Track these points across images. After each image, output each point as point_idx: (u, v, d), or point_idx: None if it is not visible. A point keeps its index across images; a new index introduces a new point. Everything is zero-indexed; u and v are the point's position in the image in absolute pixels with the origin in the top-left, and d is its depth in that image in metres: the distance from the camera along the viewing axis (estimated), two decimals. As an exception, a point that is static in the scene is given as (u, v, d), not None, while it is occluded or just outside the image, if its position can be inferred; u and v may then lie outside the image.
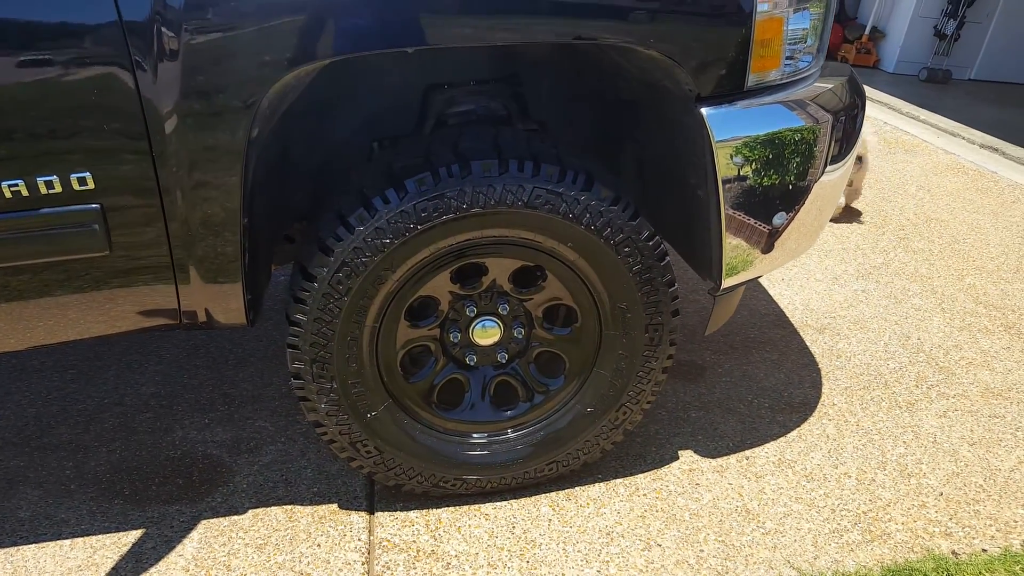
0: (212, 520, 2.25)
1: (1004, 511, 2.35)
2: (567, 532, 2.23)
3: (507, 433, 2.28)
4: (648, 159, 2.38)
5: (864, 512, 2.33)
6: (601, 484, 2.41)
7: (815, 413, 2.76)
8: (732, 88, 1.89)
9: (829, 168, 2.13)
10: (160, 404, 2.73)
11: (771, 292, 3.63)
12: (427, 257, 1.95)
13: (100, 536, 2.18)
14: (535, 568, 2.11)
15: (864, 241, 4.24)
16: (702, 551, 2.18)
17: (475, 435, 2.28)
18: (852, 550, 2.20)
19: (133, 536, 2.18)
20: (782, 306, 3.50)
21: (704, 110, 1.89)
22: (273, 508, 2.30)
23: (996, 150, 5.92)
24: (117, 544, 2.15)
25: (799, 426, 2.69)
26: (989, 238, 4.34)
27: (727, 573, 2.11)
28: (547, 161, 1.92)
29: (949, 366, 3.07)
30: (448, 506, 2.31)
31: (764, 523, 2.28)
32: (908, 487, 2.43)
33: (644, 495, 2.37)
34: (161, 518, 2.25)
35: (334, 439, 2.13)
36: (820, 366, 3.05)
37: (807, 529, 2.26)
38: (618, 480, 2.42)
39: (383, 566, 2.11)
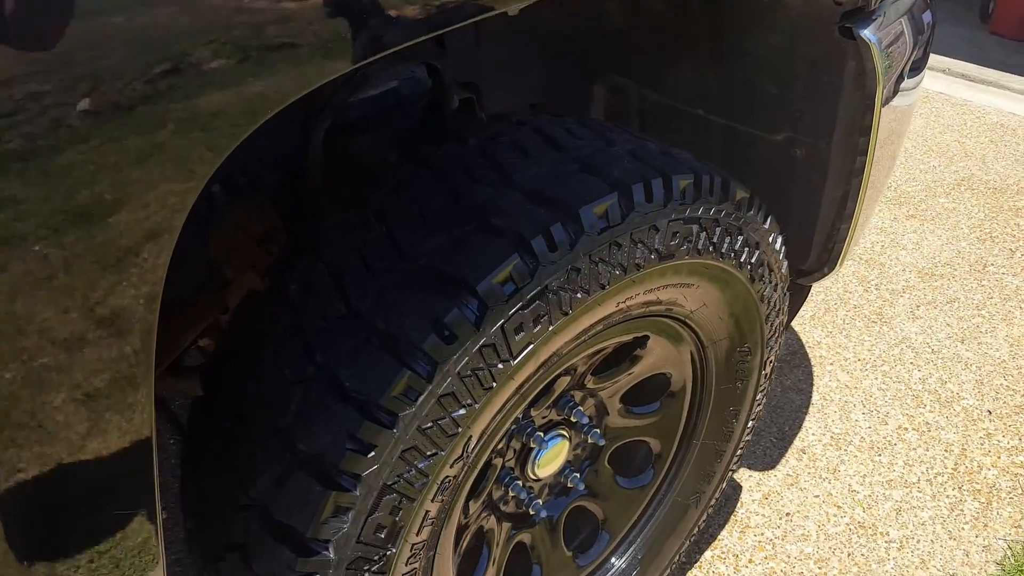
0: None
1: (1053, 410, 2.17)
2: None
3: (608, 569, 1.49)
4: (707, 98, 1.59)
5: (953, 468, 1.98)
6: (698, 573, 1.74)
7: (812, 359, 2.34)
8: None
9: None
10: None
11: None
12: (511, 398, 1.02)
13: None
14: None
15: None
16: (868, 614, 1.66)
17: (559, 605, 1.45)
18: (984, 523, 1.84)
19: None
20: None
21: (866, 32, 1.17)
22: None
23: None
24: None
25: (812, 384, 2.25)
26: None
27: (918, 633, 1.63)
28: (672, 170, 1.07)
29: (870, 255, 2.84)
30: None
31: (888, 533, 1.82)
32: (959, 417, 2.13)
33: (751, 562, 1.76)
34: None
35: None
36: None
37: (928, 519, 1.85)
38: (710, 555, 1.77)
39: None
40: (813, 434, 2.08)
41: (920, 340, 2.42)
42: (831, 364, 2.32)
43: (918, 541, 1.81)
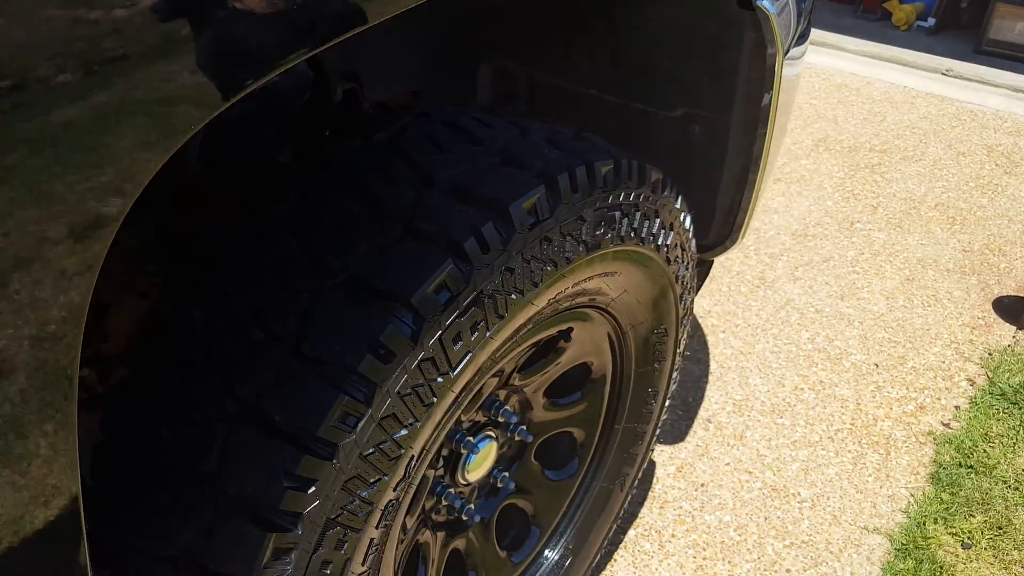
0: None
1: (926, 356, 2.35)
2: (652, 654, 1.59)
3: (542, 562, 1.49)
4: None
5: (851, 424, 2.12)
6: (623, 554, 1.77)
7: (705, 328, 2.43)
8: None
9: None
10: None
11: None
12: (449, 410, 0.99)
13: None
14: None
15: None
16: (787, 570, 1.74)
17: (497, 610, 1.43)
18: (886, 474, 1.98)
19: None
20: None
21: (765, 2, 1.20)
22: None
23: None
24: None
25: (708, 352, 2.33)
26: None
27: (836, 584, 1.73)
28: (587, 154, 1.06)
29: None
30: None
31: (798, 493, 1.92)
32: (848, 373, 2.28)
33: (673, 536, 1.81)
34: None
35: None
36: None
37: (835, 476, 1.97)
38: (633, 534, 1.81)
39: None
40: (716, 403, 2.16)
41: (803, 300, 2.56)
42: (723, 332, 2.42)
43: (828, 498, 1.92)
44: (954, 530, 1.83)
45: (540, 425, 1.40)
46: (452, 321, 0.87)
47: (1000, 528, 1.83)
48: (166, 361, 0.92)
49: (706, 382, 2.23)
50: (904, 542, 1.80)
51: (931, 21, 5.20)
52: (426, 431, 0.93)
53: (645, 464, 1.62)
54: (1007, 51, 4.68)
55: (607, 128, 1.58)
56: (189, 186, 1.17)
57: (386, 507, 0.91)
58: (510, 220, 0.92)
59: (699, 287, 1.74)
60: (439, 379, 0.88)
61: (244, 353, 0.86)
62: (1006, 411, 2.14)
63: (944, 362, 2.33)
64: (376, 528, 0.91)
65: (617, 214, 1.09)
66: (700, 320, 2.46)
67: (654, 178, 1.16)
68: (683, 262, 1.34)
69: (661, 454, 2.00)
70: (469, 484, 1.30)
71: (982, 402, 2.17)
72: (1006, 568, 1.75)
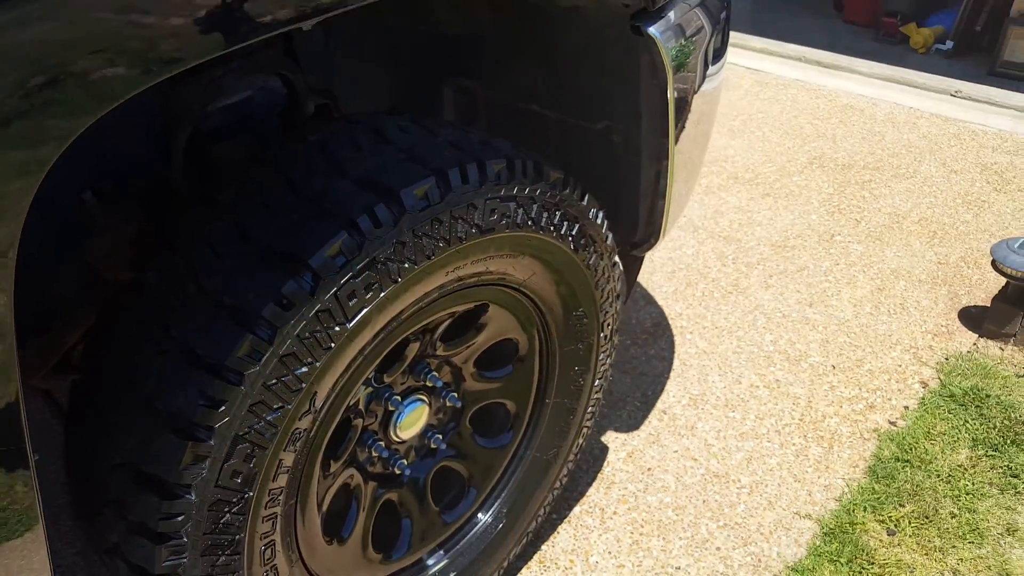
0: None
1: (884, 360, 2.49)
2: (580, 612, 1.77)
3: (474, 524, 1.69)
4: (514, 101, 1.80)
5: (799, 419, 2.27)
6: (565, 527, 1.95)
7: (673, 329, 2.60)
8: (664, -11, 1.44)
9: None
10: None
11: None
12: (353, 361, 1.21)
13: None
14: None
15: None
16: (718, 547, 1.91)
17: (430, 561, 1.64)
18: (826, 466, 2.12)
19: None
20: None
21: (652, 29, 1.41)
22: None
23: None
24: None
25: (673, 351, 2.51)
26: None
27: (761, 562, 1.88)
28: (485, 156, 1.27)
29: (728, 233, 3.14)
30: (417, 666, 1.66)
31: (739, 480, 2.08)
32: (806, 374, 2.43)
33: (615, 514, 1.98)
34: None
35: None
36: (641, 284, 2.89)
37: (776, 465, 2.12)
38: (577, 510, 1.99)
39: None
40: (673, 396, 2.33)
41: (772, 306, 2.72)
42: (691, 333, 2.59)
43: (766, 485, 2.07)
44: (882, 518, 1.96)
45: (473, 394, 1.61)
46: (347, 281, 1.09)
47: (927, 517, 1.96)
48: (128, 314, 1.16)
49: (667, 378, 2.41)
50: (832, 527, 1.94)
51: (949, 44, 5.29)
52: (331, 374, 1.15)
53: (581, 440, 1.81)
54: (1020, 72, 4.75)
55: (551, 139, 1.79)
56: (173, 184, 1.42)
57: (293, 434, 1.13)
58: (402, 203, 1.14)
59: (633, 279, 1.93)
60: (336, 328, 1.10)
61: (180, 303, 1.09)
62: (952, 412, 2.26)
63: (900, 366, 2.46)
64: (285, 451, 1.13)
65: (512, 204, 1.30)
66: (670, 322, 2.64)
67: (553, 177, 1.37)
68: (596, 253, 1.53)
69: (615, 441, 2.18)
70: (403, 442, 1.51)
71: (931, 403, 2.30)
72: (927, 554, 1.88)
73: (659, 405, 2.31)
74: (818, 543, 1.91)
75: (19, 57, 0.74)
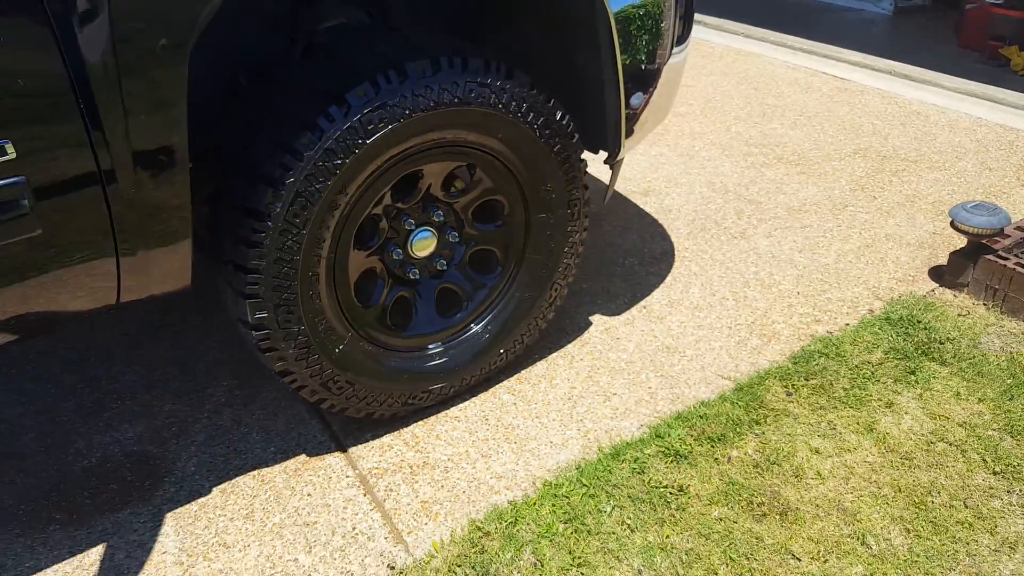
0: (177, 510, 2.18)
1: (845, 292, 3.03)
2: (535, 408, 2.50)
3: (467, 332, 2.47)
4: (527, 45, 2.59)
5: (752, 322, 2.88)
6: (542, 362, 2.69)
7: (676, 258, 3.26)
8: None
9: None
10: (39, 420, 2.48)
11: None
12: (373, 172, 2.03)
13: (57, 566, 2.02)
14: (524, 444, 2.36)
15: (637, 113, 4.85)
16: (650, 387, 2.57)
17: (431, 346, 2.43)
18: (759, 352, 2.73)
19: (96, 553, 2.05)
20: (604, 180, 3.97)
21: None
22: (239, 478, 2.27)
23: (699, 22, 6.91)
24: (82, 567, 2.01)
25: (670, 271, 3.17)
26: (731, 92, 5.19)
27: (679, 397, 2.53)
28: (468, 55, 2.07)
29: (753, 197, 3.75)
30: (415, 422, 2.45)
31: (685, 352, 2.73)
32: (772, 295, 3.03)
33: (581, 359, 2.70)
34: (117, 527, 2.12)
35: (304, 383, 2.15)
36: (660, 221, 3.57)
37: (719, 347, 2.76)
38: (554, 354, 2.72)
39: (385, 490, 2.22)
40: (656, 298, 3.00)
41: (767, 250, 3.32)
42: (689, 261, 3.24)
43: (704, 357, 2.71)
44: (786, 385, 2.56)
45: (469, 237, 2.40)
46: (367, 112, 1.91)
47: (823, 388, 2.53)
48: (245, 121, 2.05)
49: (656, 287, 3.08)
50: (743, 384, 2.56)
51: (1054, 67, 5.50)
52: (358, 173, 1.97)
53: (556, 294, 2.54)
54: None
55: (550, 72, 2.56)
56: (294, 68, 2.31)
57: (332, 203, 1.96)
58: (406, 72, 1.95)
59: (613, 181, 2.65)
60: (359, 140, 1.92)
61: (276, 110, 1.96)
62: (882, 328, 2.79)
63: (857, 298, 3.00)
64: (328, 214, 1.97)
65: (486, 90, 2.08)
66: (676, 254, 3.30)
67: (519, 76, 2.14)
68: (560, 141, 2.28)
69: (598, 320, 2.89)
70: (419, 259, 2.32)
71: (868, 322, 2.84)
72: (812, 410, 2.46)
73: (642, 302, 2.99)
74: (727, 392, 2.53)
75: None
